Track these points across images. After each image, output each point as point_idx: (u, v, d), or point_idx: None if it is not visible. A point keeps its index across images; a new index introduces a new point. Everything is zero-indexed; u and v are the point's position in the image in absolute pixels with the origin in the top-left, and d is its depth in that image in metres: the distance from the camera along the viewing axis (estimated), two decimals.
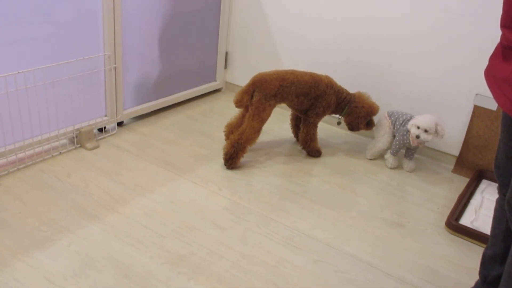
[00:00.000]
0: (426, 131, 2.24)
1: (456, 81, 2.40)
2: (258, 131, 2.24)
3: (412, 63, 2.49)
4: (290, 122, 2.61)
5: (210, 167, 2.25)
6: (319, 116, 2.38)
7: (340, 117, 2.47)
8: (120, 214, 1.85)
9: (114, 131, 2.48)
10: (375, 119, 2.50)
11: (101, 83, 2.37)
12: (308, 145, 2.43)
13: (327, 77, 2.36)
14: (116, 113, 2.47)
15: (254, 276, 1.61)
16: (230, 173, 2.23)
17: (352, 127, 2.44)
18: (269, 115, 2.26)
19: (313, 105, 2.34)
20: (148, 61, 2.62)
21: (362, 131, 2.60)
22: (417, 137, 2.26)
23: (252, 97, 2.22)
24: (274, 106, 2.27)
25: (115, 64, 2.35)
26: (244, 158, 2.29)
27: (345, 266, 1.70)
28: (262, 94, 2.21)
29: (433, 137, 2.26)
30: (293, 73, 2.28)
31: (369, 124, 2.46)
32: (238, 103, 2.23)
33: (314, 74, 2.34)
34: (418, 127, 2.25)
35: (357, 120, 2.40)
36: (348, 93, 2.41)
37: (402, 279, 1.67)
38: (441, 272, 1.73)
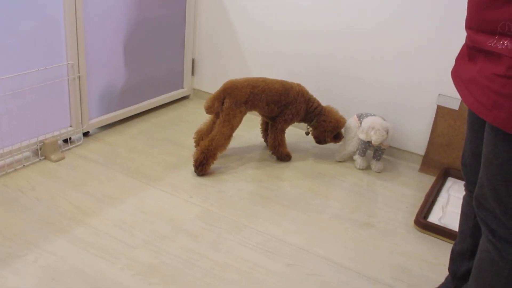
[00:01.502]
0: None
1: (419, 83, 2.45)
2: (228, 137, 2.23)
3: (377, 68, 2.53)
4: (260, 127, 2.62)
5: (180, 175, 2.23)
6: (287, 123, 2.39)
7: (308, 127, 2.49)
8: (88, 226, 1.80)
9: (80, 142, 2.43)
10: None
11: (65, 93, 2.31)
12: (277, 151, 2.44)
13: (298, 85, 2.38)
14: (82, 123, 2.42)
15: (228, 283, 1.59)
16: (200, 180, 2.21)
17: (319, 140, 2.47)
18: (239, 122, 2.25)
19: (282, 112, 2.35)
20: (113, 69, 2.58)
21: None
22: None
23: (222, 103, 2.22)
24: (245, 113, 2.27)
25: (79, 73, 2.30)
26: (215, 165, 2.27)
27: (318, 269, 1.71)
28: (233, 100, 2.20)
29: (365, 136, 2.34)
30: (264, 81, 2.29)
31: (337, 138, 2.48)
32: (208, 109, 2.22)
33: (285, 82, 2.35)
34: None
35: (324, 134, 2.43)
36: (319, 104, 2.43)
37: (375, 279, 1.69)
38: (412, 270, 1.76)
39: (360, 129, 2.37)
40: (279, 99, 2.30)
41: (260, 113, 2.41)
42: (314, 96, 2.43)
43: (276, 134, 2.40)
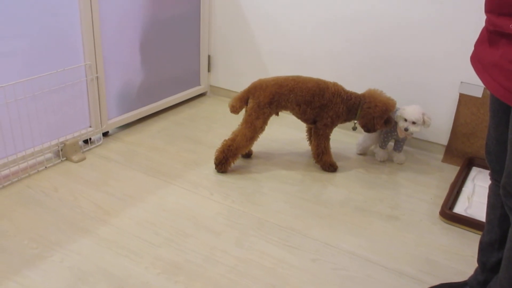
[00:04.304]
0: (414, 123, 2.24)
1: (441, 70, 2.40)
2: (250, 139, 2.17)
3: (398, 54, 2.49)
4: (306, 134, 2.48)
5: (200, 172, 2.22)
6: (328, 127, 2.23)
7: (355, 122, 2.29)
8: (111, 225, 1.81)
9: (100, 142, 2.44)
10: None
11: (84, 94, 2.33)
12: (321, 159, 2.29)
13: (335, 84, 2.20)
14: (101, 123, 2.43)
15: (252, 280, 1.58)
16: (221, 177, 2.20)
17: (369, 129, 2.25)
18: (263, 123, 2.16)
19: (320, 115, 2.21)
20: (131, 68, 2.59)
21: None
22: (406, 129, 2.26)
23: (247, 103, 2.18)
24: (270, 114, 2.18)
25: (96, 73, 2.31)
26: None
27: (343, 263, 1.69)
28: (256, 101, 2.14)
29: (420, 127, 2.26)
30: (294, 79, 2.16)
31: (387, 122, 2.24)
32: (232, 108, 2.18)
33: (321, 81, 2.19)
34: (406, 120, 2.25)
35: (373, 121, 2.20)
36: (357, 96, 2.22)
37: (401, 272, 1.66)
38: (439, 262, 1.73)
39: (405, 117, 2.23)
40: (312, 99, 2.16)
41: (294, 115, 2.28)
42: (351, 91, 2.23)
43: (319, 141, 2.26)
